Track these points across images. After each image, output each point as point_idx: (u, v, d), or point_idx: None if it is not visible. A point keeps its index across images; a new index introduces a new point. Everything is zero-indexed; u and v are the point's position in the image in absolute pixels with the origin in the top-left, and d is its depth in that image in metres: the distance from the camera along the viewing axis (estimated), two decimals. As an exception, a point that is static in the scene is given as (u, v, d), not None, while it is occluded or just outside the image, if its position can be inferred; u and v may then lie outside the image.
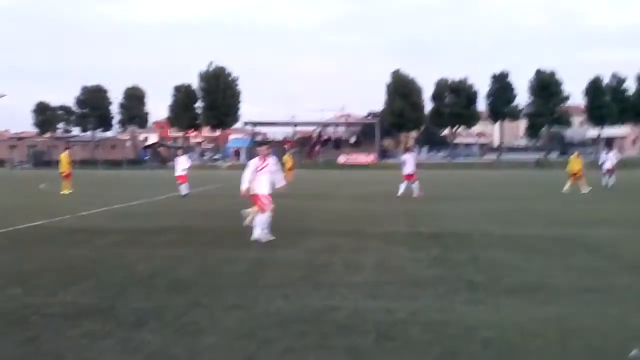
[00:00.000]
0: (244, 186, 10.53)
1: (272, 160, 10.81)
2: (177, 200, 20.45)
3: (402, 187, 21.03)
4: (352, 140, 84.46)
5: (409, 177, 21.27)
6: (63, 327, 5.29)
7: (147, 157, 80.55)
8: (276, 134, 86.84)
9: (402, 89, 76.57)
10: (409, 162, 21.50)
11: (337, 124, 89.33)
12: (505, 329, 5.18)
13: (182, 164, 22.57)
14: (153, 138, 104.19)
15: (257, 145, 11.77)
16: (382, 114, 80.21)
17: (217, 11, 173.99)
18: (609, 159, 26.39)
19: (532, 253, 9.16)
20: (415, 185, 21.01)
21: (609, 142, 60.14)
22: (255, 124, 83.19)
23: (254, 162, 10.69)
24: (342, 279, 7.29)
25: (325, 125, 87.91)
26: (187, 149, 36.88)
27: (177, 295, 6.49)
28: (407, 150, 23.99)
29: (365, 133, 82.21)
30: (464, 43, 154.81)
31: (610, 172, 26.14)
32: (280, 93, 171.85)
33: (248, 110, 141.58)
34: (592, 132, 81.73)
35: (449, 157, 76.25)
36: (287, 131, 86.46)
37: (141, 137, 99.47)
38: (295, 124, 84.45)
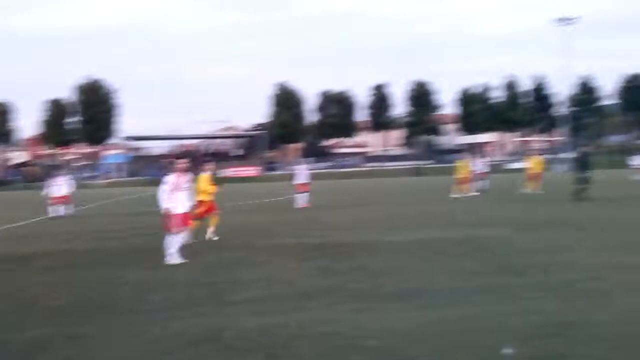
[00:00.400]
0: (164, 205, 9.77)
1: (189, 177, 10.20)
2: (53, 222, 19.17)
3: (298, 198, 21.46)
4: (238, 152, 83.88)
5: (302, 187, 21.69)
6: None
7: (15, 177, 74.92)
8: (160, 148, 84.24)
9: (287, 101, 77.40)
10: (301, 173, 21.93)
11: (222, 137, 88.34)
12: (391, 336, 5.28)
13: (60, 183, 21.64)
14: (24, 156, 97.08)
15: (175, 158, 11.03)
16: (267, 126, 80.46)
17: (98, 22, 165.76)
18: (478, 165, 28.09)
19: (413, 258, 9.51)
20: (305, 196, 21.41)
21: (474, 149, 64.17)
22: (136, 138, 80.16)
23: (172, 179, 9.92)
24: (230, 296, 7.14)
25: (211, 138, 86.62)
26: (62, 168, 34.90)
27: (55, 326, 6.01)
28: (299, 161, 24.90)
29: (252, 145, 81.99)
30: (347, 54, 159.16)
31: (482, 176, 27.81)
32: (165, 105, 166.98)
33: (131, 123, 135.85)
34: (464, 139, 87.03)
35: (332, 167, 77.93)
36: (171, 145, 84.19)
37: (8, 155, 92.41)
38: (180, 138, 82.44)
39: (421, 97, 78.91)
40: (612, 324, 5.38)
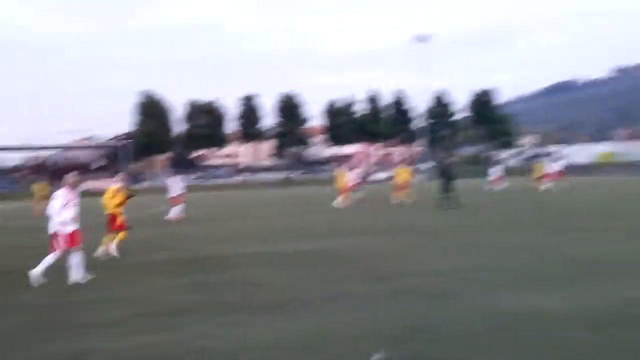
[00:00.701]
0: (55, 223, 8.95)
1: (78, 192, 9.43)
2: None
3: (172, 211, 21.24)
4: (99, 164, 79.67)
5: (176, 200, 21.51)
6: None
7: None
8: (12, 160, 77.67)
9: (152, 110, 74.82)
10: (175, 185, 21.88)
11: (81, 147, 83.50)
12: (263, 348, 5.36)
13: None
14: None
15: (65, 173, 9.99)
16: (132, 136, 77.24)
17: None
18: (353, 175, 28.69)
19: (284, 268, 9.70)
20: (180, 209, 21.06)
21: (342, 160, 66.39)
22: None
23: (64, 194, 9.14)
24: (97, 318, 6.82)
25: (68, 148, 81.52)
26: None
27: None
28: (172, 173, 24.74)
29: (115, 156, 78.25)
30: (214, 65, 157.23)
31: (357, 187, 28.55)
32: (18, 114, 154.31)
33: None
34: (331, 150, 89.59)
35: (202, 178, 76.56)
36: (24, 157, 78.02)
37: None
38: (34, 148, 76.66)
39: (290, 108, 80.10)
40: (466, 323, 5.86)
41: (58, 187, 12.14)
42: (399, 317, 6.21)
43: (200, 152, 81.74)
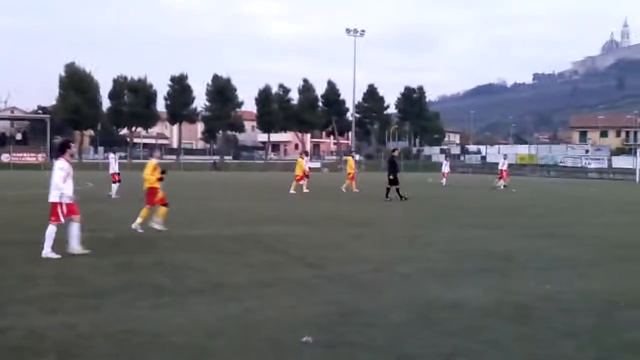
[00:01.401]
0: (69, 193, 8.87)
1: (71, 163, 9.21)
2: None
3: (114, 188, 21.35)
4: (18, 137, 75.81)
5: (115, 177, 21.72)
6: None
7: None
8: None
9: (77, 84, 71.63)
10: (112, 162, 22.19)
11: (3, 118, 79.07)
12: (192, 331, 5.30)
13: None
14: None
15: (66, 142, 9.68)
16: (54, 110, 73.79)
17: None
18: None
19: (213, 252, 9.61)
20: (117, 187, 21.39)
21: (273, 147, 66.40)
22: None
23: (65, 165, 8.97)
24: (15, 295, 6.53)
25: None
26: None
27: None
28: (113, 151, 25.01)
29: (35, 130, 74.63)
30: (143, 42, 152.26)
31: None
32: None
33: None
34: (262, 137, 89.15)
35: (127, 157, 74.28)
36: None
37: None
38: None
39: (222, 92, 78.84)
40: (393, 311, 6.04)
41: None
42: (329, 303, 6.31)
43: (127, 130, 79.15)
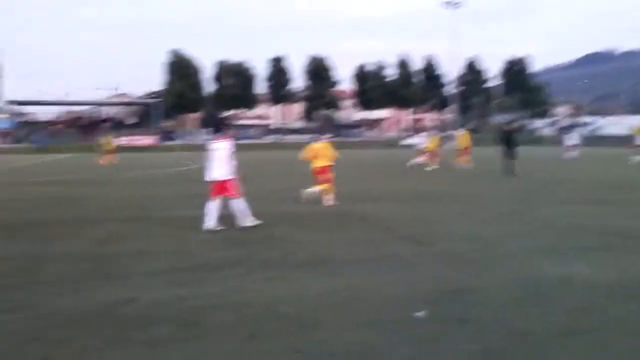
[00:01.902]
0: (214, 172, 9.83)
1: (232, 142, 10.30)
2: None
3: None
4: (132, 120, 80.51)
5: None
6: None
7: None
8: (47, 114, 78.92)
9: (181, 70, 74.93)
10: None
11: (113, 104, 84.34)
12: (301, 303, 5.46)
13: None
14: None
15: (222, 122, 10.74)
16: (162, 95, 77.66)
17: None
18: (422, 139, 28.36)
19: (319, 228, 9.77)
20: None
21: (372, 125, 66.02)
22: (20, 103, 74.58)
23: (223, 145, 9.95)
24: (136, 268, 7.01)
25: (101, 104, 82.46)
26: None
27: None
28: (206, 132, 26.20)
29: (146, 113, 78.93)
30: (243, 25, 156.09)
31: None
32: (52, 71, 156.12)
33: (14, 88, 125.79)
34: (359, 115, 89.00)
35: (235, 139, 76.73)
36: (59, 111, 79.19)
37: None
38: (69, 104, 77.71)
39: (319, 71, 79.42)
40: (503, 288, 5.88)
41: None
42: (438, 280, 6.25)
43: (230, 112, 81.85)
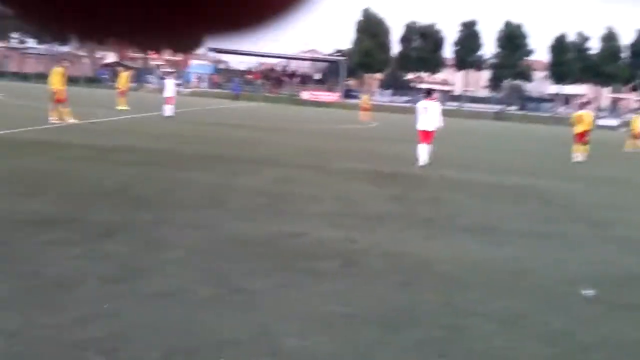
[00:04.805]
0: (420, 123, 12.74)
1: (436, 103, 13.30)
2: (142, 120, 20.20)
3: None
4: (317, 76, 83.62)
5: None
6: (30, 234, 5.33)
7: (105, 76, 78.01)
8: (241, 63, 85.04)
9: (371, 28, 75.69)
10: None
11: (302, 59, 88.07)
12: (458, 264, 5.46)
13: (170, 85, 23.26)
14: (111, 57, 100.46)
15: (428, 92, 14.37)
16: (349, 53, 79.32)
17: None
18: None
19: (488, 197, 9.55)
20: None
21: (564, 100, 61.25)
22: (219, 51, 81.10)
23: (426, 104, 12.93)
24: (305, 209, 7.48)
25: (291, 59, 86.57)
26: (173, 73, 36.46)
27: (141, 211, 6.56)
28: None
29: (331, 71, 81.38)
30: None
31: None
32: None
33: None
34: (552, 88, 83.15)
35: (411, 101, 76.60)
36: (251, 62, 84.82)
37: (98, 54, 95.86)
38: (262, 55, 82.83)
39: (512, 39, 75.22)
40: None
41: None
42: (608, 263, 5.85)
43: (414, 75, 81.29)
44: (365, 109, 35.80)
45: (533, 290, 4.87)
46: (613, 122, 60.49)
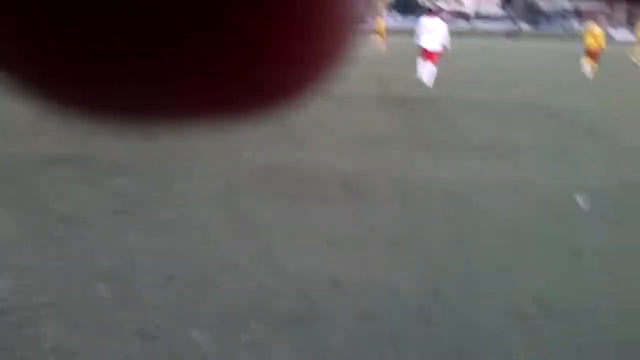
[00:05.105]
0: (419, 40, 13.03)
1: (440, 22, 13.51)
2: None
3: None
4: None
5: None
6: (38, 171, 5.40)
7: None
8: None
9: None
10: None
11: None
12: (464, 182, 5.49)
13: None
14: None
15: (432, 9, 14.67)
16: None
17: None
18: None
19: (497, 116, 9.48)
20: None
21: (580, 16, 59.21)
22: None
23: (426, 22, 13.19)
24: (310, 135, 7.46)
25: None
26: None
27: (148, 145, 6.57)
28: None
29: None
30: None
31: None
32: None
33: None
34: (566, 4, 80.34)
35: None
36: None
37: None
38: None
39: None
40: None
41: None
42: (608, 174, 5.87)
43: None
44: (377, 33, 34.88)
45: (538, 206, 4.90)
46: (629, 36, 58.61)
